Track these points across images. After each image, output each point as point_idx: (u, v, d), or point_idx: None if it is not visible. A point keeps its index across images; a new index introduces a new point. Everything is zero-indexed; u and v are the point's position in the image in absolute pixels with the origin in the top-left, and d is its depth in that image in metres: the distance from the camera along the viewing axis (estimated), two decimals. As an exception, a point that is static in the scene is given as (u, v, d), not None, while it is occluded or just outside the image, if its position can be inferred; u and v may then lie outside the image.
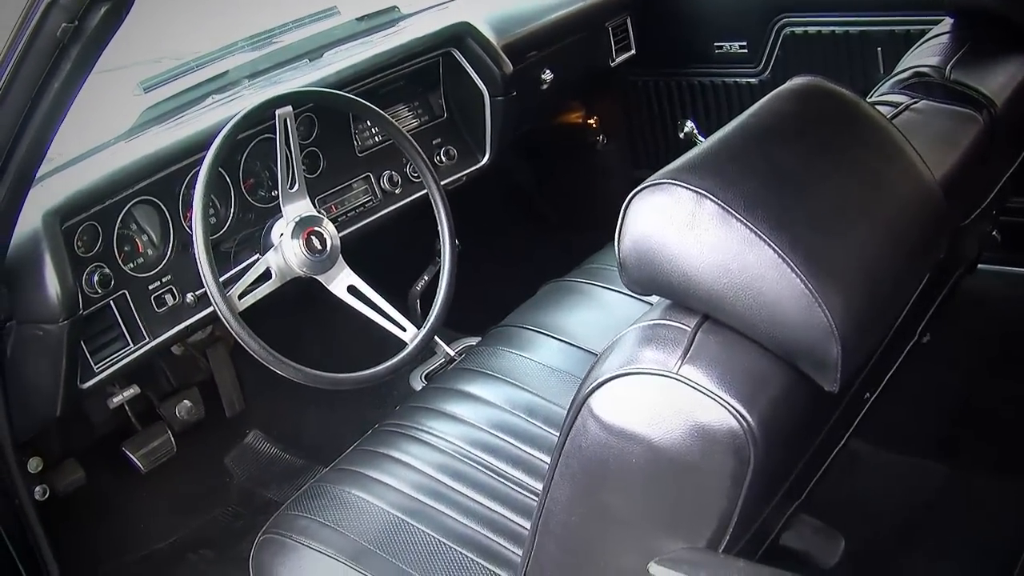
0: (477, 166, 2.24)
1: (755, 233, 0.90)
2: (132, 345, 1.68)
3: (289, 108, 1.70)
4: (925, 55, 1.53)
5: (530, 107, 2.36)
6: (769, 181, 0.96)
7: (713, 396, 0.91)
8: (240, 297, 1.64)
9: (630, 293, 1.39)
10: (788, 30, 2.41)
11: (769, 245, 0.90)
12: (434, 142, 2.18)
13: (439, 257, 1.89)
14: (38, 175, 1.40)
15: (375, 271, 1.85)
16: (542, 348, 1.81)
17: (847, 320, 0.90)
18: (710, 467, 0.93)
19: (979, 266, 1.76)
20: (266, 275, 1.70)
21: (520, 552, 1.25)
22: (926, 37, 1.62)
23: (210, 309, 1.68)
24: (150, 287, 1.72)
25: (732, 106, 2.57)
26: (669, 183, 0.94)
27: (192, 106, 1.85)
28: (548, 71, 2.37)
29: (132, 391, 1.87)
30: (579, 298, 1.94)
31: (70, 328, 1.53)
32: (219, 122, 1.69)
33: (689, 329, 0.96)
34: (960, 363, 2.01)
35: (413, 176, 2.08)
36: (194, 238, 1.57)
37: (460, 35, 2.16)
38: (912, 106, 1.37)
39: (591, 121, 2.86)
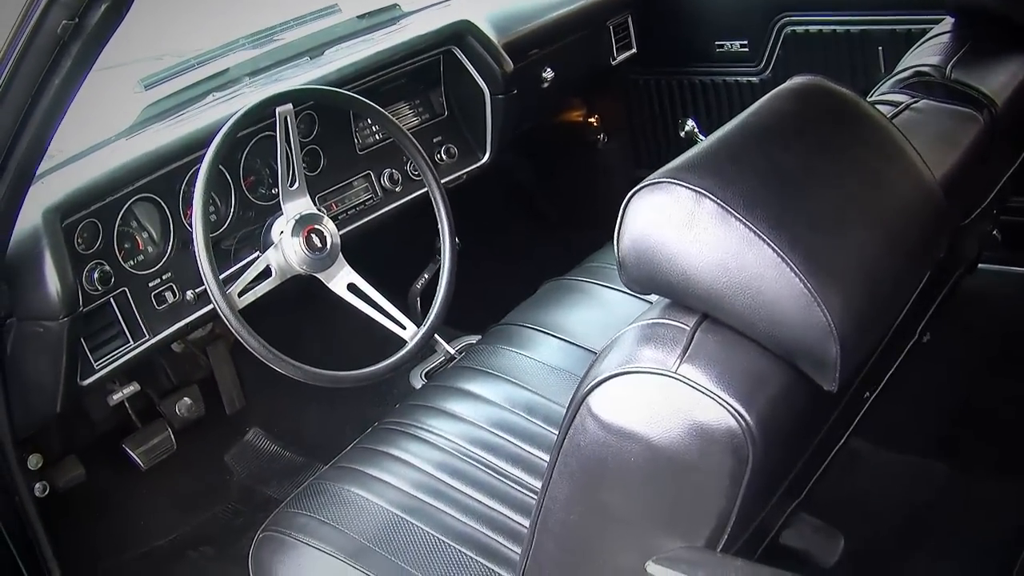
0: (478, 164, 2.24)
1: (754, 232, 0.90)
2: (132, 342, 1.68)
3: (289, 106, 1.70)
4: (926, 54, 1.52)
5: (531, 105, 2.36)
6: (769, 180, 0.96)
7: (712, 395, 0.91)
8: (240, 295, 1.64)
9: (630, 292, 1.39)
10: (789, 29, 2.40)
11: (768, 244, 0.90)
12: (435, 140, 2.18)
13: (439, 255, 1.89)
14: (38, 172, 1.41)
15: (375, 269, 1.85)
16: (542, 346, 1.81)
17: (846, 319, 0.90)
18: (709, 466, 0.93)
19: (979, 265, 1.76)
20: (266, 273, 1.70)
21: (519, 550, 1.25)
22: (927, 36, 1.61)
23: (210, 307, 1.68)
24: (150, 284, 1.72)
25: (733, 105, 2.57)
26: (668, 182, 0.94)
27: (192, 104, 1.85)
28: (549, 69, 2.37)
29: (132, 388, 1.87)
30: (579, 297, 1.94)
31: (70, 325, 1.53)
32: (219, 120, 1.69)
33: (688, 328, 0.96)
34: (960, 362, 2.00)
35: (413, 174, 2.08)
36: (194, 235, 1.58)
37: (461, 33, 2.16)
38: (912, 105, 1.37)
39: (592, 120, 2.86)
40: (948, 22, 1.63)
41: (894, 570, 1.71)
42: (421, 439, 1.61)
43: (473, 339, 2.14)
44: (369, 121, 2.06)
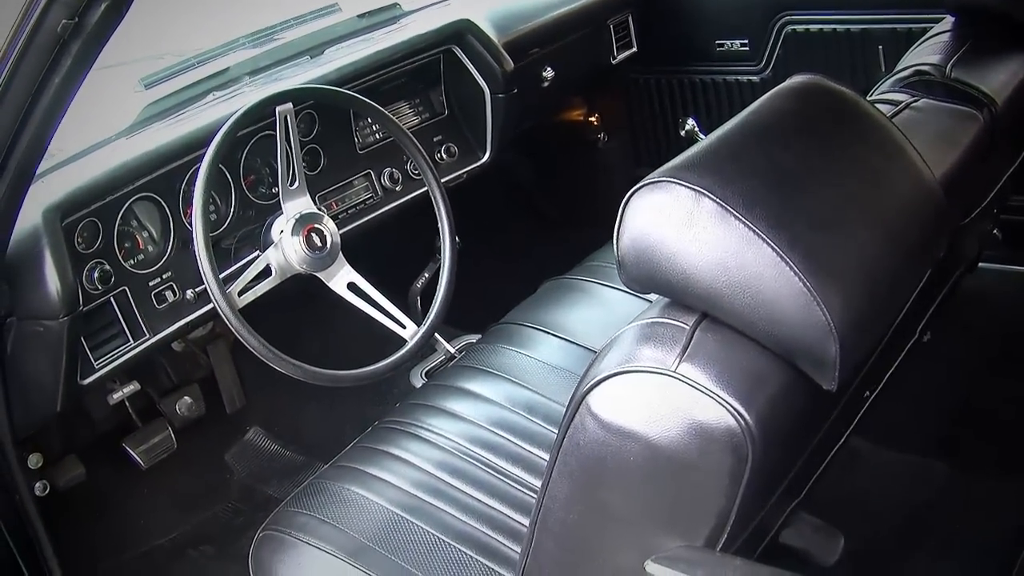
0: (478, 163, 2.24)
1: (754, 231, 0.90)
2: (132, 341, 1.68)
3: (289, 105, 1.70)
4: (926, 53, 1.52)
5: (531, 104, 2.36)
6: (768, 179, 0.96)
7: (711, 394, 0.91)
8: (240, 294, 1.64)
9: (631, 291, 1.39)
10: (790, 28, 2.40)
11: (768, 243, 0.90)
12: (435, 139, 2.18)
13: (439, 254, 1.89)
14: (39, 171, 1.41)
15: (375, 268, 1.85)
16: (542, 345, 1.81)
17: (846, 319, 0.90)
18: (708, 465, 0.93)
19: (980, 264, 1.76)
20: (266, 272, 1.70)
21: (519, 549, 1.25)
22: (927, 35, 1.61)
23: (210, 306, 1.68)
24: (150, 283, 1.72)
25: (733, 104, 2.57)
26: (668, 181, 0.94)
27: (193, 103, 1.85)
28: (549, 68, 2.37)
29: (132, 387, 1.87)
30: (579, 296, 1.94)
31: (70, 324, 1.53)
32: (220, 119, 1.69)
33: (687, 327, 0.96)
34: (961, 362, 2.00)
35: (414, 173, 2.08)
36: (194, 235, 1.58)
37: (461, 32, 2.16)
38: (912, 104, 1.36)
39: (592, 119, 2.86)
40: (948, 21, 1.63)
41: (894, 570, 1.71)
42: (421, 438, 1.61)
43: (473, 338, 2.14)
44: (369, 120, 2.06)
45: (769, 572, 0.98)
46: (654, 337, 0.96)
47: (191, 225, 1.62)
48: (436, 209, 1.88)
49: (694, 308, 0.98)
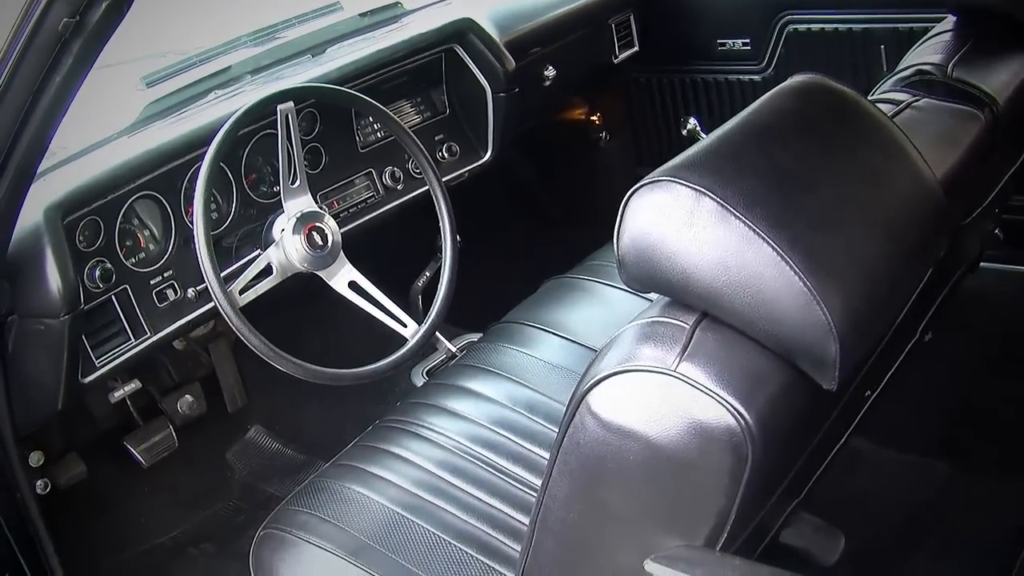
0: (479, 162, 2.24)
1: (754, 231, 0.90)
2: (133, 340, 1.69)
3: (291, 104, 1.70)
4: (927, 53, 1.52)
5: (533, 104, 2.36)
6: (768, 179, 0.96)
7: (711, 394, 0.91)
8: (241, 292, 1.64)
9: (632, 290, 1.39)
10: (791, 27, 2.40)
11: (768, 243, 0.90)
12: (436, 138, 2.19)
13: (440, 253, 1.89)
14: (40, 170, 1.40)
15: (376, 267, 1.85)
16: (543, 344, 1.81)
17: (846, 319, 0.90)
18: (708, 465, 0.93)
19: (981, 264, 1.76)
20: (267, 270, 1.71)
21: (519, 548, 1.26)
22: (929, 35, 1.61)
23: (211, 304, 1.68)
24: (151, 282, 1.72)
25: (735, 103, 2.57)
26: (668, 180, 0.94)
27: (194, 101, 1.85)
28: (551, 68, 2.37)
29: (133, 386, 1.87)
30: (580, 295, 1.94)
31: (71, 322, 1.53)
32: (221, 117, 1.69)
33: (687, 327, 0.96)
34: (961, 362, 2.00)
35: (415, 172, 2.08)
36: (195, 233, 1.58)
37: (463, 31, 2.16)
38: (913, 104, 1.36)
39: (594, 118, 2.85)
40: (950, 20, 1.63)
41: (894, 570, 1.71)
42: (422, 437, 1.61)
43: (474, 337, 2.14)
44: (371, 119, 2.06)
45: (769, 572, 0.98)
46: (654, 336, 0.96)
47: (192, 223, 1.62)
48: (437, 208, 1.88)
49: (694, 307, 0.98)
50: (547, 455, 1.19)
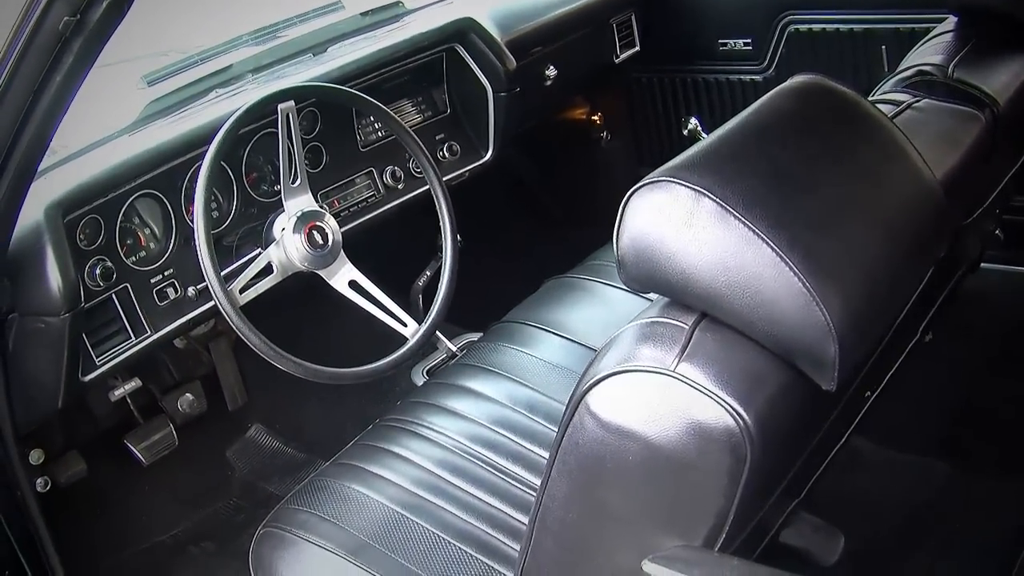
0: (480, 162, 2.24)
1: (753, 231, 0.90)
2: (134, 338, 1.69)
3: (292, 103, 1.70)
4: (928, 53, 1.52)
5: (534, 103, 2.36)
6: (768, 179, 0.96)
7: (710, 394, 0.91)
8: (241, 291, 1.64)
9: (631, 290, 1.39)
10: (793, 27, 2.40)
11: (767, 243, 0.90)
12: (437, 137, 2.19)
13: (441, 252, 1.89)
14: (41, 168, 1.40)
15: (377, 266, 1.85)
16: (543, 344, 1.81)
17: (845, 319, 0.90)
18: (707, 465, 0.93)
19: (982, 265, 1.76)
20: (267, 269, 1.71)
21: (519, 548, 1.26)
22: (930, 35, 1.61)
23: (212, 303, 1.68)
24: (152, 280, 1.72)
25: (736, 103, 2.57)
26: (668, 180, 0.94)
27: (195, 100, 1.86)
28: (552, 67, 2.37)
29: (134, 384, 1.88)
30: (581, 294, 1.94)
31: (72, 321, 1.53)
32: (222, 116, 1.69)
33: (687, 327, 0.96)
34: (962, 362, 2.00)
35: (416, 171, 2.08)
36: (196, 232, 1.58)
37: (464, 31, 2.16)
38: (914, 104, 1.36)
39: (595, 118, 2.85)
40: (951, 21, 1.63)
41: (894, 570, 1.71)
42: (422, 436, 1.62)
43: (474, 336, 2.14)
44: (372, 118, 2.06)
45: (767, 572, 0.98)
46: (653, 336, 0.96)
47: (193, 222, 1.62)
48: (438, 207, 1.88)
49: (693, 308, 0.98)
50: (547, 455, 1.19)
